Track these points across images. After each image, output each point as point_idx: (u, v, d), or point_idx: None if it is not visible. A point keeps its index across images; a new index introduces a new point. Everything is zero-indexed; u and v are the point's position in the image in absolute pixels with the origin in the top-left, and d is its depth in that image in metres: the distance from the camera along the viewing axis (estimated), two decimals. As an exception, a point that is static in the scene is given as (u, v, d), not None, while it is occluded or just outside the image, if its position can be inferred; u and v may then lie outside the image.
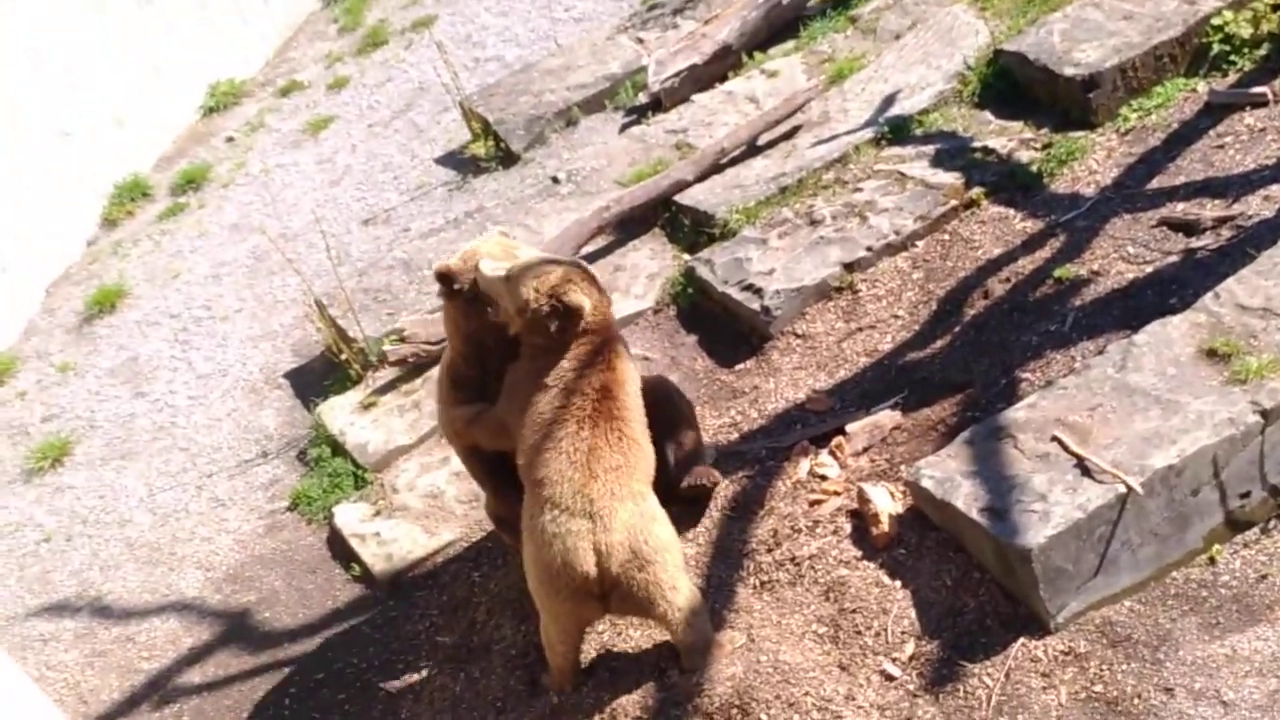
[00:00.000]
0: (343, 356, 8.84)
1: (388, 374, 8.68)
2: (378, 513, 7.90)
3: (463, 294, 6.22)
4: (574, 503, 5.73)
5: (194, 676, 7.52)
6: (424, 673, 6.82)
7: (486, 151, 10.79)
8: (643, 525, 5.76)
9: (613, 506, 5.72)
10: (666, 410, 6.59)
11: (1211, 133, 7.74)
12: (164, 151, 12.73)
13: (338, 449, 8.46)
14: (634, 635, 6.28)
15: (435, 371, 8.31)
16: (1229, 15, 8.11)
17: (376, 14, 13.75)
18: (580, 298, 5.85)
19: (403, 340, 8.58)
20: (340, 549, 7.92)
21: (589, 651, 6.23)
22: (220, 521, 8.52)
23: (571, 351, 5.90)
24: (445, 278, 6.24)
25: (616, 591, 5.76)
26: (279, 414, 9.17)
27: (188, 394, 9.63)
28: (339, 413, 8.63)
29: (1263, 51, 8.02)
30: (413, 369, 8.60)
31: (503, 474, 6.37)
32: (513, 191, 10.04)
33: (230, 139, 12.65)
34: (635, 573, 5.72)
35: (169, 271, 11.05)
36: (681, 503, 6.62)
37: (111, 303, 10.85)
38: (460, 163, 10.92)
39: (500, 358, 6.17)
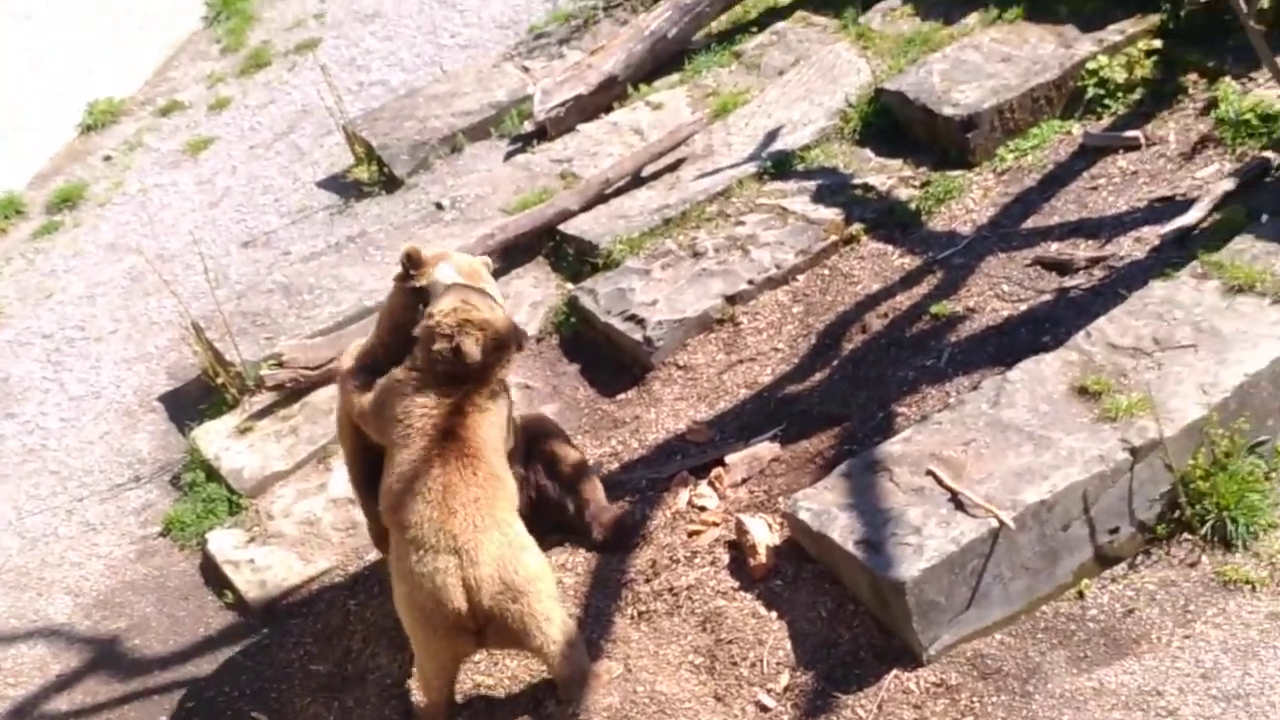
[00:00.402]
0: (219, 380, 8.75)
1: (265, 399, 8.60)
2: (252, 539, 7.82)
3: (414, 285, 6.20)
4: (437, 540, 5.72)
5: (61, 704, 7.38)
6: (297, 702, 6.76)
7: (369, 176, 10.73)
8: (511, 556, 5.77)
9: (477, 539, 5.72)
10: (548, 446, 6.67)
11: (1085, 174, 7.90)
12: (40, 169, 12.54)
13: (212, 474, 8.36)
14: (511, 665, 6.27)
15: (313, 397, 8.29)
16: (1104, 60, 8.28)
17: (260, 35, 13.63)
18: (473, 349, 5.86)
19: (281, 365, 8.51)
20: (213, 576, 7.82)
21: (466, 683, 6.21)
22: (91, 546, 8.38)
23: (443, 385, 5.91)
24: (411, 260, 6.22)
25: (491, 625, 5.75)
26: (153, 438, 9.05)
27: (59, 416, 9.47)
28: (214, 437, 8.54)
29: (1136, 96, 8.20)
30: (290, 394, 8.52)
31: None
32: (396, 217, 9.99)
33: (108, 158, 12.48)
34: (508, 604, 5.71)
35: (42, 291, 10.87)
36: (609, 549, 6.73)
37: (-18, 321, 10.67)
38: (342, 187, 10.86)
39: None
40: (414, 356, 6.01)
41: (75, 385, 9.71)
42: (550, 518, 6.71)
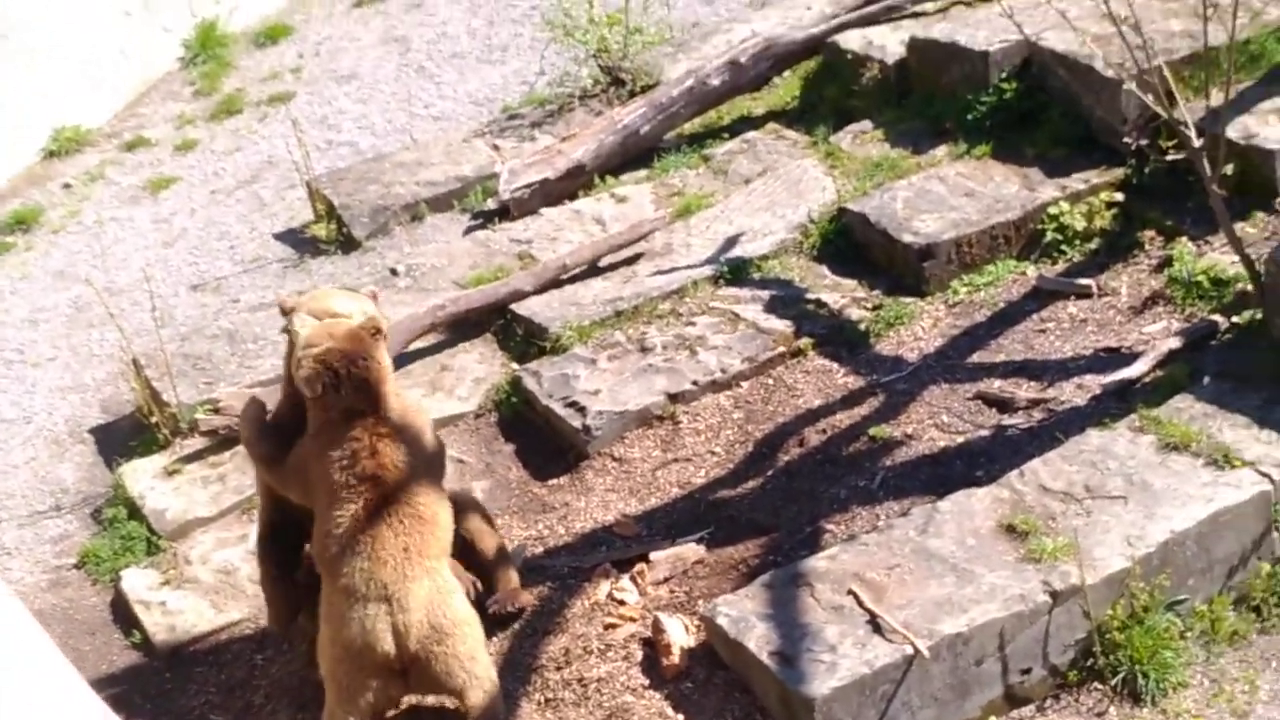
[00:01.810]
0: (153, 419, 8.70)
1: (197, 443, 8.55)
2: (166, 582, 7.75)
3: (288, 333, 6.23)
4: (368, 589, 5.77)
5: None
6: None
7: (328, 234, 10.75)
8: (440, 600, 5.86)
9: (407, 588, 5.79)
10: (470, 525, 6.67)
11: (1035, 316, 7.99)
12: (-3, 189, 12.51)
13: (135, 512, 8.29)
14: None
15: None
16: (1066, 206, 8.41)
17: (235, 82, 13.66)
18: (308, 383, 5.93)
19: (217, 411, 8.47)
20: (123, 614, 7.73)
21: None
22: (2, 570, 8.28)
23: (345, 435, 5.91)
24: (284, 313, 6.25)
25: (416, 666, 5.81)
26: (79, 469, 8.97)
27: (-13, 436, 9.41)
28: (141, 476, 8.47)
29: (1093, 245, 8.32)
30: (223, 441, 8.47)
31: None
32: (349, 277, 10.00)
33: (68, 185, 12.44)
34: (434, 646, 5.79)
35: (-16, 310, 10.81)
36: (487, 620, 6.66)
37: (-79, 333, 10.58)
38: (299, 241, 10.86)
39: None
40: (310, 419, 6.06)
41: (7, 408, 9.63)
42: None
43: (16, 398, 9.73)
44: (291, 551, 6.56)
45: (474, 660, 5.88)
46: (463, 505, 6.79)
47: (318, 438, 6.01)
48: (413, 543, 5.87)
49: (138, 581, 7.81)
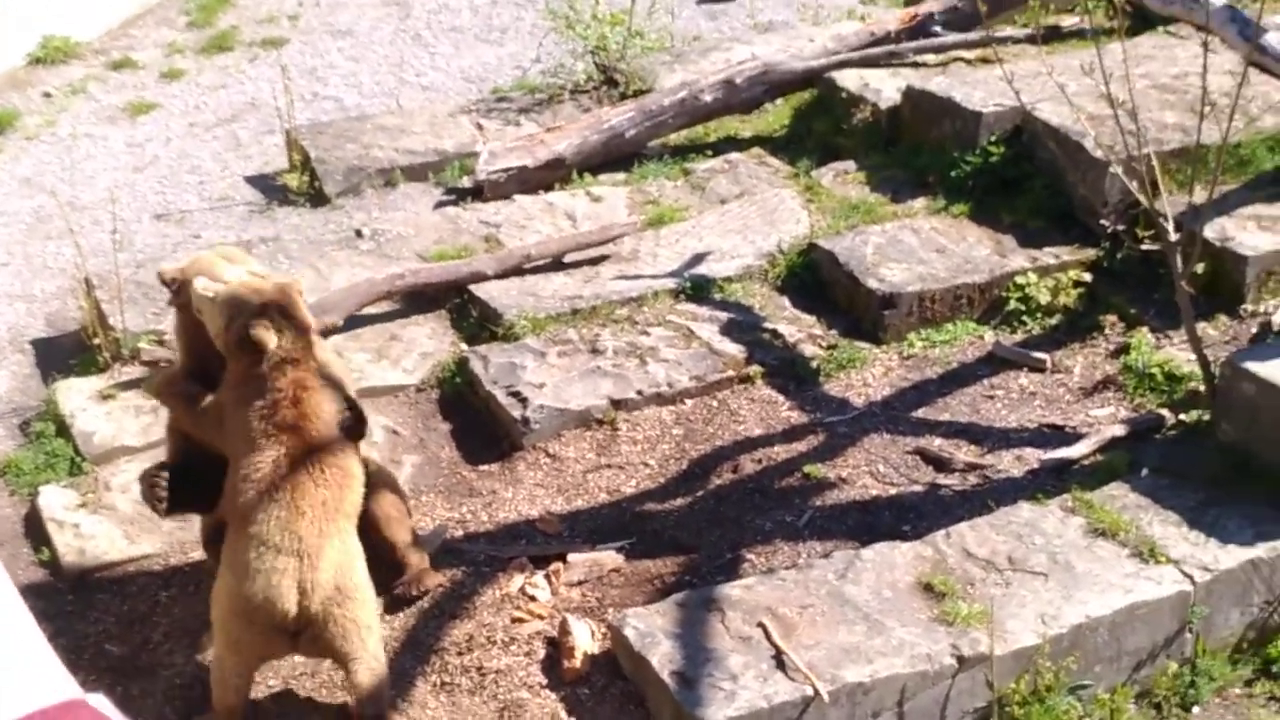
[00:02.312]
0: (96, 341, 8.62)
1: (135, 371, 8.47)
2: (84, 505, 7.67)
3: (180, 304, 6.21)
4: (281, 540, 5.68)
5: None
6: (82, 676, 6.56)
7: (299, 185, 10.69)
8: (347, 562, 5.78)
9: (321, 544, 5.70)
10: (383, 501, 6.64)
11: (986, 382, 8.03)
12: (-23, 86, 12.40)
13: (63, 430, 8.21)
14: (309, 685, 6.20)
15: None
16: (1033, 278, 8.45)
17: (231, 19, 13.59)
18: (266, 334, 5.84)
19: (160, 343, 8.41)
20: (35, 530, 7.65)
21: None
22: (-81, 468, 8.21)
23: (269, 385, 5.88)
24: (168, 284, 6.22)
25: (311, 628, 5.71)
26: (13, 378, 8.87)
27: (-74, 331, 9.30)
28: (75, 395, 8.39)
29: (1054, 321, 8.37)
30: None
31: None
32: (313, 232, 9.94)
33: (48, 95, 12.34)
34: (334, 609, 5.70)
35: (-57, 205, 10.71)
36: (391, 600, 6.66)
37: (-124, 221, 10.47)
38: (269, 188, 10.80)
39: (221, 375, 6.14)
40: (228, 373, 6.02)
41: (-49, 306, 9.55)
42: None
43: (-38, 297, 9.64)
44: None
45: (370, 631, 5.80)
46: (378, 479, 6.75)
47: (239, 388, 5.95)
48: (331, 497, 5.79)
49: (55, 500, 7.72)
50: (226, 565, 5.84)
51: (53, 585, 7.32)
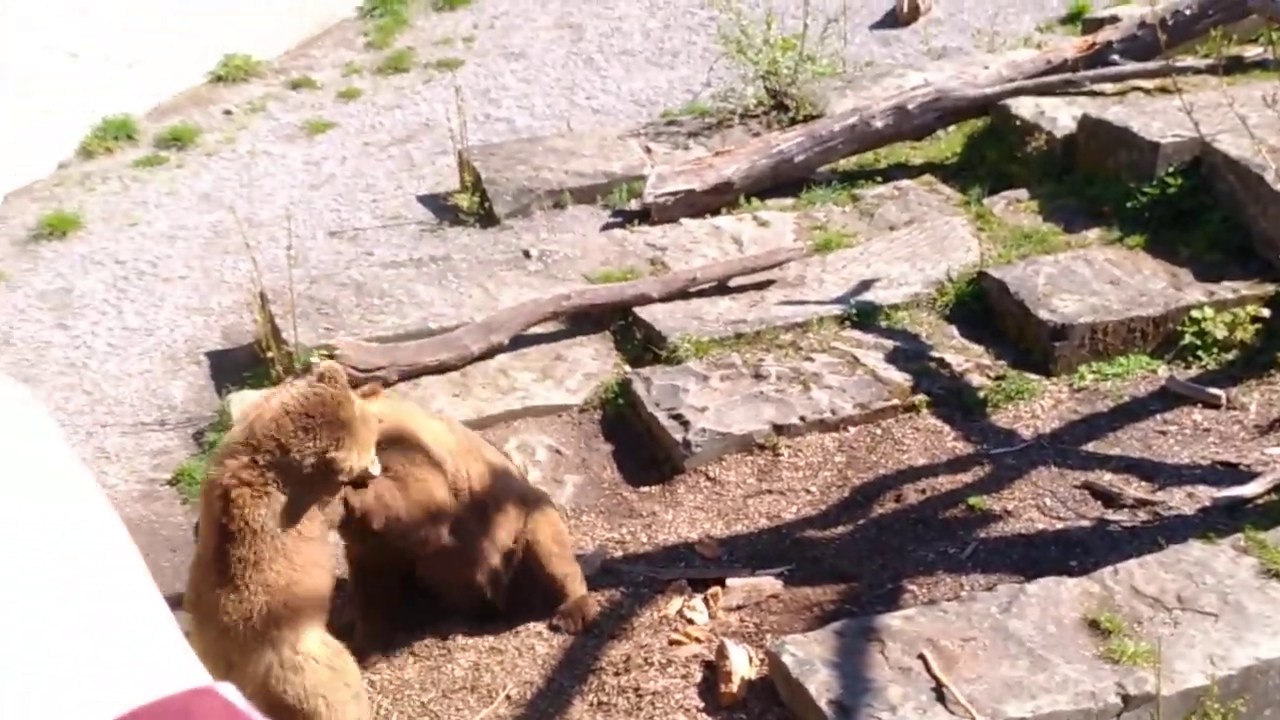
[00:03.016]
0: (269, 354, 8.78)
1: (306, 385, 8.61)
2: (253, 514, 7.80)
3: None
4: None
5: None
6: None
7: (469, 205, 10.82)
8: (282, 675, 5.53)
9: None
10: (542, 533, 6.74)
11: (1159, 417, 7.86)
12: (161, 102, 12.71)
13: (234, 441, 8.37)
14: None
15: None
16: (1210, 313, 8.26)
17: (407, 40, 13.82)
18: None
19: (331, 357, 8.51)
20: (206, 539, 7.82)
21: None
22: (99, 473, 8.38)
23: None
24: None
25: None
26: (189, 389, 9.09)
27: (108, 341, 9.54)
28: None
29: (1230, 356, 8.17)
30: (331, 388, 8.53)
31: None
32: (482, 252, 10.05)
33: (228, 112, 12.64)
34: None
35: (128, 218, 10.99)
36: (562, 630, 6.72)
37: (64, 230, 10.78)
38: (440, 208, 10.95)
39: None
40: None
41: (133, 317, 9.78)
42: (524, 595, 6.73)
43: (143, 309, 9.88)
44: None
45: None
46: (539, 508, 6.82)
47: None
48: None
49: (224, 509, 7.87)
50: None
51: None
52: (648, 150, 11.25)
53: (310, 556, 5.59)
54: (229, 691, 1.09)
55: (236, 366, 9.16)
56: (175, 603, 5.96)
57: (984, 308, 8.79)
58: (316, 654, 5.58)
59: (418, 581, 6.68)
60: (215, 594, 5.41)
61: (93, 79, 11.97)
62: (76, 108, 11.91)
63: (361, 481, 5.82)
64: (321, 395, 5.51)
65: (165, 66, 12.69)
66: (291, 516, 5.49)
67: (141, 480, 8.36)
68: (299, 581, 5.52)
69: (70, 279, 10.22)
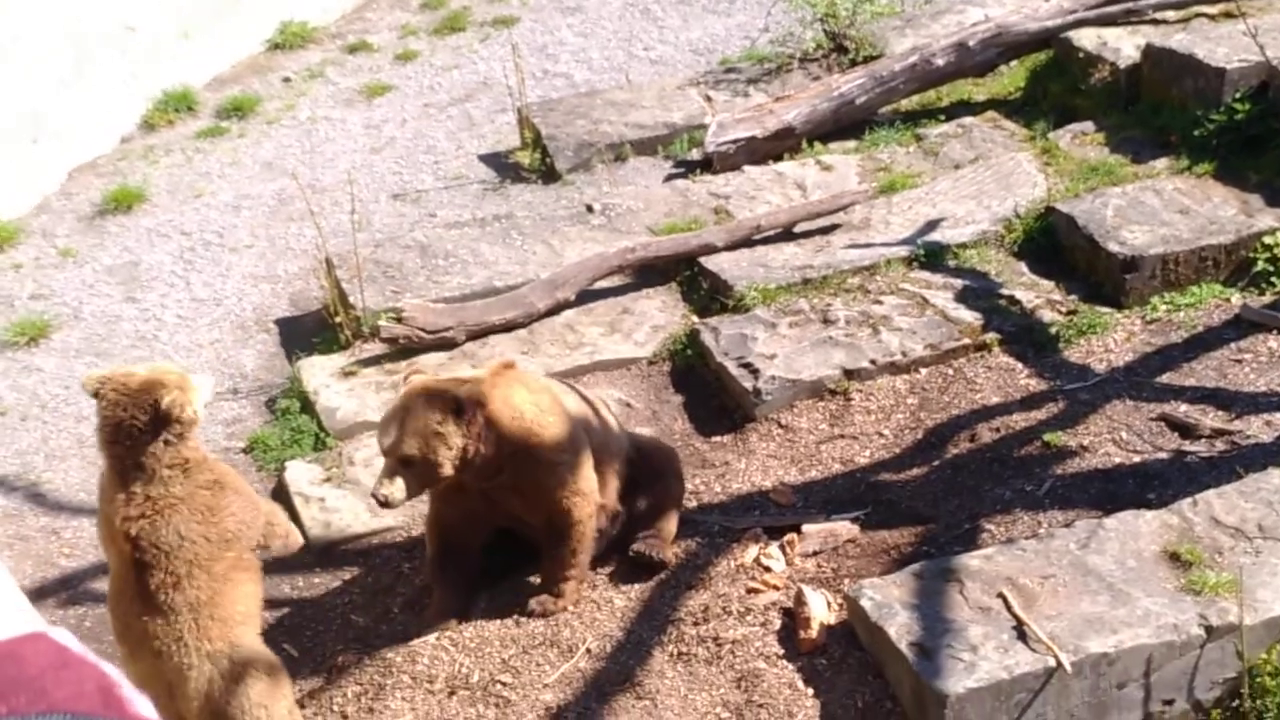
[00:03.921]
0: (337, 319, 8.82)
1: (376, 349, 8.65)
2: (329, 479, 7.85)
3: None
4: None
5: (104, 586, 7.44)
6: (328, 647, 6.77)
7: (531, 162, 10.82)
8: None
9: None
10: (656, 469, 6.81)
11: (1234, 345, 7.77)
12: (220, 73, 12.75)
13: (307, 406, 8.42)
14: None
15: (421, 359, 8.29)
16: (1281, 238, 8.17)
17: (462, 0, 13.81)
18: None
19: (400, 320, 8.55)
20: (283, 504, 7.78)
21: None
22: (172, 445, 8.46)
23: None
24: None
25: None
26: (260, 357, 9.14)
27: (178, 312, 9.60)
28: (318, 372, 8.60)
29: (1304, 281, 8.07)
30: (401, 350, 8.55)
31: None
32: (545, 208, 10.04)
33: (287, 79, 12.67)
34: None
35: (192, 189, 11.05)
36: (628, 561, 6.71)
37: (129, 203, 10.84)
38: (502, 166, 10.95)
39: None
40: None
41: (200, 288, 9.84)
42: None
43: (210, 279, 9.93)
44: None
45: None
46: (668, 459, 6.93)
47: None
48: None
49: (301, 474, 7.93)
50: None
51: (300, 559, 7.50)
52: (707, 99, 11.19)
53: (229, 562, 5.54)
54: (62, 635, 1.10)
55: (305, 332, 9.21)
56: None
57: (1052, 243, 8.71)
58: (254, 663, 5.53)
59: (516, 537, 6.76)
60: (142, 622, 5.37)
61: (151, 51, 12.02)
62: (136, 81, 11.97)
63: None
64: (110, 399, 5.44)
65: (223, 36, 12.73)
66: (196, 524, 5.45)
67: (216, 450, 8.39)
68: (221, 591, 5.47)
69: (137, 252, 10.29)
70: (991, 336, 8.06)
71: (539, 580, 6.64)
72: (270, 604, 7.20)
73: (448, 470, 6.06)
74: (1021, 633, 5.69)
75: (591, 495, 6.44)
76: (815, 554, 6.80)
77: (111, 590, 5.62)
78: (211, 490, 5.52)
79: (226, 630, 5.44)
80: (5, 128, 10.64)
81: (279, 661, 5.72)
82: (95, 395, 5.44)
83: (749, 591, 6.52)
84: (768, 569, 6.67)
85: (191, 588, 5.37)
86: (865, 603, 6.01)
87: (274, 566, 7.49)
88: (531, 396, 6.33)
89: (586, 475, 6.44)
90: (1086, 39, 10.32)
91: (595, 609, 6.49)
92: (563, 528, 6.40)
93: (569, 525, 6.39)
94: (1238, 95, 9.02)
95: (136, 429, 5.39)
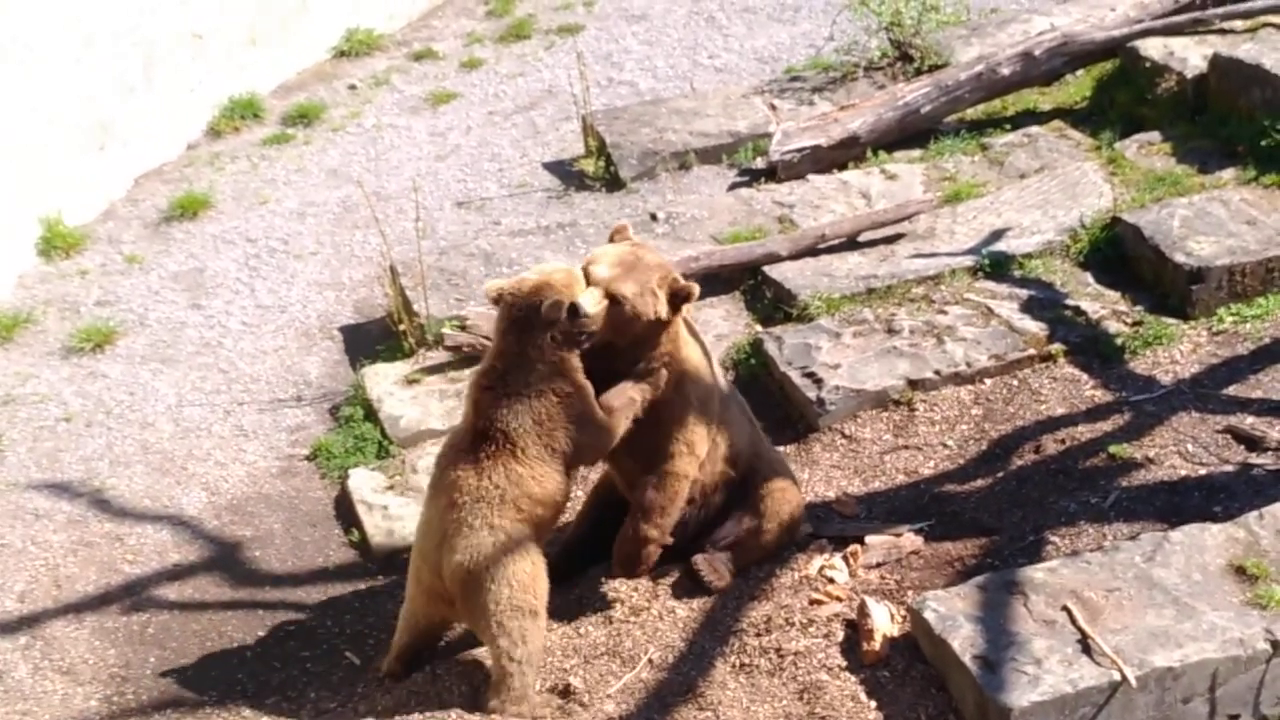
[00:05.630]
0: (401, 327, 8.87)
1: (439, 356, 8.70)
2: (391, 487, 7.90)
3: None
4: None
5: (170, 592, 7.53)
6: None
7: (595, 170, 10.84)
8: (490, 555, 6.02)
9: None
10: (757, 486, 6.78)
11: (1302, 357, 7.72)
12: (286, 80, 12.84)
13: (370, 414, 8.48)
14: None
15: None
16: (1351, 248, 8.10)
17: (527, 7, 13.85)
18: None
19: (464, 328, 8.59)
20: (346, 511, 7.92)
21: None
22: (238, 450, 8.54)
23: None
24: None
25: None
26: (324, 364, 9.20)
27: (242, 319, 9.68)
28: (382, 380, 8.65)
29: (1374, 294, 8.00)
30: (464, 358, 8.58)
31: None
32: (609, 216, 10.05)
33: (353, 87, 12.75)
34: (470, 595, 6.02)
35: (258, 196, 11.14)
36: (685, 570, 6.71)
37: (195, 210, 10.94)
38: (566, 174, 10.98)
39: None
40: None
41: (265, 294, 9.92)
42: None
43: (275, 286, 10.01)
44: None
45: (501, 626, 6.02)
46: (775, 468, 6.91)
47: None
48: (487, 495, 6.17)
49: (364, 482, 7.98)
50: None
51: (362, 566, 7.58)
52: (772, 107, 11.19)
53: (545, 470, 6.12)
54: None
55: (370, 340, 9.27)
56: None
57: (1119, 253, 8.66)
58: (519, 553, 6.05)
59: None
60: (457, 473, 6.05)
61: (218, 59, 12.12)
62: (203, 88, 12.07)
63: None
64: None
65: (289, 44, 12.83)
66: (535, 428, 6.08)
67: (280, 456, 8.48)
68: (530, 491, 6.07)
69: (202, 259, 10.38)
70: (1057, 347, 8.02)
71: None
72: (332, 610, 7.26)
73: (635, 328, 6.23)
74: (1086, 646, 5.66)
75: (696, 455, 6.49)
76: (879, 565, 6.78)
77: (448, 441, 6.34)
78: (561, 400, 6.12)
79: (518, 516, 6.05)
80: (73, 135, 10.76)
81: (543, 567, 6.15)
82: (495, 301, 6.16)
83: (812, 603, 6.50)
84: (831, 580, 6.66)
85: (510, 467, 6.03)
86: (929, 615, 5.99)
87: (335, 573, 7.56)
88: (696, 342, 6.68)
89: (701, 434, 6.51)
90: (1153, 48, 10.26)
91: (657, 619, 6.48)
92: (661, 475, 6.46)
93: (666, 474, 6.45)
94: (1306, 105, 8.95)
95: (526, 323, 6.06)
